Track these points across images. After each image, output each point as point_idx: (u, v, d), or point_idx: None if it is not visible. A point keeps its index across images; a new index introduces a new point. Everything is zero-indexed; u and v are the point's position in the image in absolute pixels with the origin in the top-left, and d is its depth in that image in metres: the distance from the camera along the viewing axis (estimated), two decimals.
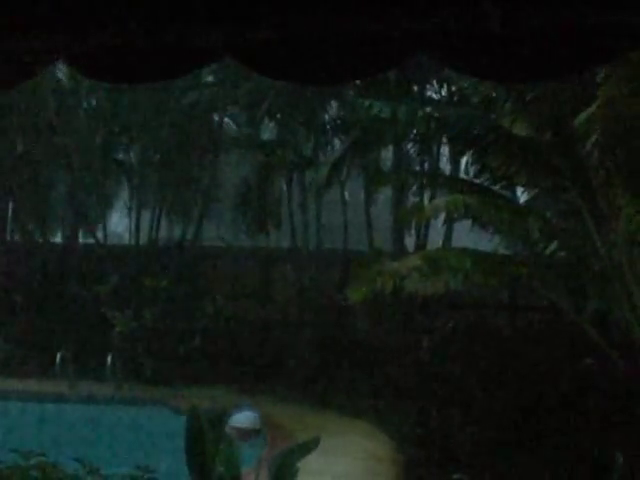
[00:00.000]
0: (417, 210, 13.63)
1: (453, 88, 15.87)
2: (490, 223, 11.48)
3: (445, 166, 17.98)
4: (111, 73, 2.85)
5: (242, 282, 18.23)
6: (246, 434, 5.89)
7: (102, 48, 2.69)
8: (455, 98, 15.28)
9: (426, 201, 15.41)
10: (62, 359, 16.17)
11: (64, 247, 20.22)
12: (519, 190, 13.67)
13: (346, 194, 18.26)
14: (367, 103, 12.86)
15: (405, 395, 13.56)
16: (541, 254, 11.50)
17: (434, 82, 17.26)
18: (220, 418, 5.50)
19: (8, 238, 20.23)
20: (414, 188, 15.40)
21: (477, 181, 12.39)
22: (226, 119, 19.97)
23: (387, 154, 18.13)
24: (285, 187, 18.82)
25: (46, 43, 2.69)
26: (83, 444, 11.96)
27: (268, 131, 19.84)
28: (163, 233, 19.93)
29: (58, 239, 21.07)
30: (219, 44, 2.52)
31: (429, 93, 17.58)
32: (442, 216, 12.73)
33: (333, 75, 2.75)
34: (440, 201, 11.90)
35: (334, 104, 18.40)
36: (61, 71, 17.90)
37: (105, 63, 2.76)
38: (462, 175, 15.64)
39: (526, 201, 13.00)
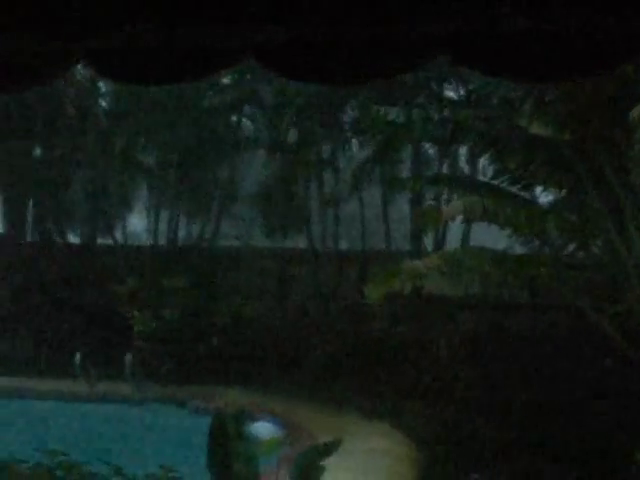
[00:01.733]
0: (434, 213, 13.61)
1: (470, 87, 15.86)
2: (507, 224, 11.45)
3: (464, 166, 17.95)
4: (133, 75, 2.87)
5: (260, 282, 18.27)
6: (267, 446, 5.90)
7: (123, 50, 2.72)
8: (473, 98, 15.26)
9: (443, 201, 15.40)
10: (81, 359, 16.27)
11: (83, 248, 20.34)
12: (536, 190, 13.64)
13: (364, 194, 18.27)
14: (382, 110, 12.84)
15: (424, 395, 13.55)
16: (560, 254, 11.47)
17: (451, 82, 17.24)
18: (240, 418, 5.52)
19: (28, 239, 20.36)
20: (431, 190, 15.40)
21: (495, 182, 12.36)
22: (244, 119, 20.04)
23: (405, 154, 18.11)
24: (304, 187, 18.82)
25: (67, 45, 2.72)
26: (103, 443, 12.04)
27: (287, 132, 19.86)
28: (182, 233, 20.01)
29: (77, 240, 21.19)
30: (242, 46, 2.54)
31: (446, 93, 17.56)
32: (459, 218, 12.72)
33: (353, 77, 2.77)
34: (457, 203, 11.88)
35: (352, 105, 18.40)
36: (80, 73, 18.01)
37: (126, 65, 2.78)
38: (480, 176, 15.62)
39: (550, 202, 12.95)
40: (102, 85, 19.25)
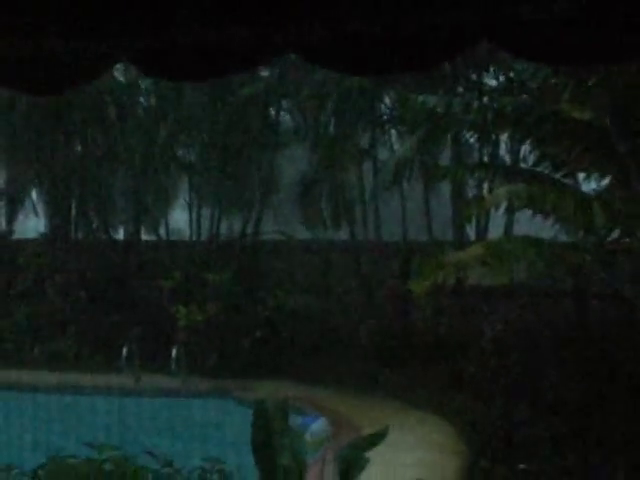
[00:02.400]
0: (478, 202, 13.51)
1: (510, 74, 15.70)
2: (552, 211, 11.32)
3: (505, 154, 17.77)
4: (175, 72, 2.90)
5: (303, 275, 18.30)
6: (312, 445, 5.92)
7: (165, 47, 2.74)
8: (513, 85, 15.11)
9: (485, 191, 15.27)
10: (128, 353, 16.46)
11: (127, 244, 20.55)
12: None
13: (405, 184, 18.18)
14: (421, 98, 12.75)
15: (469, 386, 13.49)
16: (604, 241, 11.33)
17: (490, 69, 17.07)
18: (285, 410, 5.53)
19: (72, 236, 20.61)
20: (473, 179, 15.27)
21: (537, 170, 12.23)
22: (282, 113, 20.06)
23: (445, 143, 17.98)
24: (344, 179, 18.79)
25: (109, 44, 2.74)
26: (150, 437, 12.18)
27: (325, 123, 19.83)
28: (224, 228, 20.11)
29: (121, 236, 21.41)
30: (283, 40, 2.55)
31: (485, 80, 17.39)
32: (503, 206, 12.60)
33: (393, 67, 2.76)
34: (501, 190, 11.77)
35: (390, 95, 18.33)
36: (119, 70, 18.17)
37: (168, 62, 2.80)
38: (522, 164, 15.47)
39: (594, 188, 12.78)
40: (142, 83, 19.38)
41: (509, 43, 2.46)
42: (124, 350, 16.48)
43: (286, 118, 20.21)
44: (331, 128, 18.78)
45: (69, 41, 2.76)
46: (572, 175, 12.38)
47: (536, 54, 2.57)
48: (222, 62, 2.68)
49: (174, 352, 16.41)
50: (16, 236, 20.71)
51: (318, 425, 6.74)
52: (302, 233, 19.70)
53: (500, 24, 2.41)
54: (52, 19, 2.61)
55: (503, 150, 17.77)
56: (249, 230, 19.64)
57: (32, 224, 21.63)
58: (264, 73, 18.56)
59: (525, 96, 12.68)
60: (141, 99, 20.18)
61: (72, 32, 2.70)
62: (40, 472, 5.27)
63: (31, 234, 20.80)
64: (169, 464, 5.17)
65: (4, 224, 20.81)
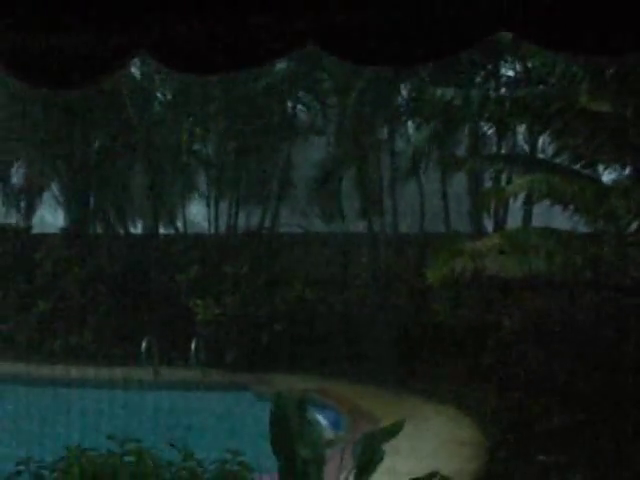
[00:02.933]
0: (496, 192, 13.45)
1: (528, 64, 15.61)
2: (572, 202, 11.26)
3: (523, 145, 17.69)
4: (194, 64, 2.89)
5: (320, 268, 18.31)
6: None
7: (183, 39, 2.74)
8: (531, 76, 15.02)
9: (503, 181, 15.20)
10: (147, 347, 16.53)
11: (145, 238, 20.64)
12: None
13: (422, 176, 18.15)
14: (439, 91, 12.70)
15: (487, 378, 13.46)
16: (624, 232, 11.26)
17: (508, 60, 16.98)
18: (304, 402, 5.53)
19: (91, 230, 20.71)
20: (490, 170, 15.20)
21: (556, 160, 12.17)
22: (299, 105, 20.05)
23: (463, 135, 17.92)
24: (361, 171, 18.74)
25: (128, 35, 2.74)
26: (169, 430, 12.22)
27: (341, 116, 19.80)
28: (241, 221, 20.14)
29: (139, 230, 21.49)
30: (301, 31, 2.54)
31: (503, 71, 17.31)
32: (521, 197, 12.55)
33: (411, 57, 2.74)
34: (520, 181, 11.72)
35: (407, 86, 18.27)
36: (135, 65, 18.20)
37: (187, 54, 2.80)
38: (540, 155, 15.39)
39: (613, 179, 12.70)
40: (158, 77, 19.42)
41: (529, 32, 2.43)
42: (143, 344, 16.55)
43: (303, 111, 20.21)
44: (348, 120, 18.75)
45: (87, 34, 2.76)
46: (592, 166, 12.31)
47: (556, 43, 2.54)
48: (241, 54, 2.67)
49: (193, 345, 16.47)
50: (35, 231, 20.83)
51: (334, 422, 6.74)
52: (320, 226, 19.71)
53: (518, 12, 2.39)
54: (69, 11, 2.61)
55: (521, 141, 17.69)
56: (266, 223, 19.66)
57: (51, 219, 21.78)
58: (281, 65, 18.55)
59: (543, 87, 12.59)
60: (158, 94, 20.23)
61: (90, 24, 2.70)
62: (60, 465, 5.30)
63: (50, 229, 20.93)
64: (190, 456, 5.19)
65: (23, 219, 20.93)
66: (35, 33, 2.78)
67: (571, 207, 11.77)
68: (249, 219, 20.78)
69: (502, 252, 10.87)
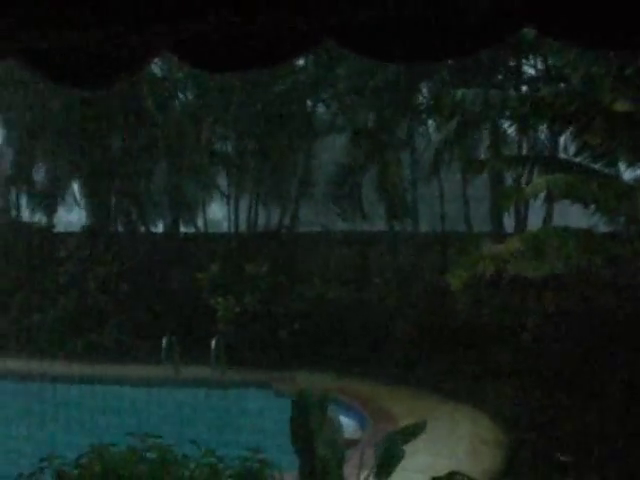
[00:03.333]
0: (516, 191, 13.40)
1: (549, 63, 15.55)
2: (592, 201, 11.20)
3: (545, 142, 17.61)
4: (215, 62, 2.91)
5: (340, 266, 18.32)
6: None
7: (205, 37, 2.76)
8: (552, 74, 14.96)
9: (524, 181, 15.15)
10: (167, 345, 16.60)
11: (166, 236, 20.73)
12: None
13: (442, 175, 18.11)
14: (459, 93, 12.65)
15: (508, 378, 13.41)
16: None
17: (529, 58, 16.91)
18: (324, 401, 5.55)
19: (112, 229, 20.83)
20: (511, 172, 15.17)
21: (577, 160, 12.11)
22: (319, 104, 20.06)
23: (484, 133, 17.86)
24: (381, 170, 18.73)
25: (151, 34, 2.76)
26: (189, 427, 12.28)
27: (361, 115, 19.80)
28: (261, 220, 20.20)
29: (160, 229, 21.59)
30: (321, 28, 2.54)
31: (525, 69, 17.24)
32: (541, 196, 12.49)
33: (434, 53, 2.74)
34: (540, 180, 11.67)
35: (428, 85, 18.25)
36: (156, 64, 18.28)
37: (208, 52, 2.82)
38: (561, 154, 15.32)
39: (635, 178, 12.61)
40: (179, 76, 19.49)
41: (554, 28, 2.42)
42: (164, 342, 16.63)
43: (323, 110, 20.22)
44: (369, 119, 18.75)
45: (110, 33, 2.78)
46: (613, 165, 12.24)
47: (582, 39, 2.52)
48: (260, 51, 2.69)
49: (213, 343, 16.53)
50: (57, 230, 20.98)
51: (351, 424, 6.73)
52: (340, 225, 19.72)
53: (543, 8, 2.38)
54: (92, 10, 2.63)
55: (543, 140, 17.61)
56: (286, 222, 19.70)
57: (72, 218, 21.92)
58: (301, 63, 18.57)
59: (564, 85, 12.54)
60: (179, 92, 20.30)
61: (112, 23, 2.72)
62: (83, 461, 5.35)
63: (71, 228, 21.07)
64: (211, 452, 5.22)
65: (45, 218, 21.08)
66: (58, 32, 2.80)
67: (592, 206, 11.72)
68: (269, 218, 20.83)
69: (524, 254, 10.82)
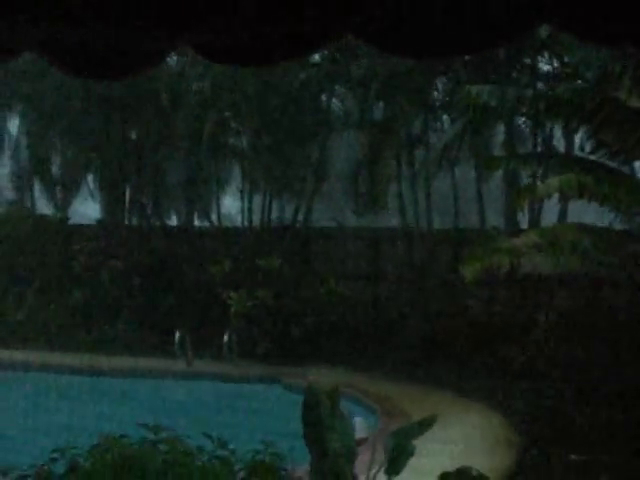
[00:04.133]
0: (529, 191, 13.35)
1: (565, 59, 15.48)
2: (607, 200, 11.15)
3: (559, 142, 17.54)
4: (233, 57, 2.91)
5: (353, 262, 18.31)
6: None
7: (223, 32, 2.76)
8: (568, 71, 14.90)
9: (538, 179, 15.09)
10: (180, 338, 16.65)
11: (180, 230, 20.77)
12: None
13: (456, 171, 18.06)
14: (475, 90, 12.60)
15: (520, 375, 13.39)
16: None
17: (545, 55, 16.84)
18: (335, 396, 5.55)
19: (126, 222, 20.89)
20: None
21: (592, 158, 12.06)
22: (333, 99, 20.04)
23: (498, 129, 17.79)
24: (394, 166, 18.70)
25: (170, 29, 2.77)
26: (201, 420, 12.30)
27: (376, 110, 19.77)
28: (275, 215, 20.20)
29: (174, 222, 21.62)
30: (339, 24, 2.54)
31: (540, 66, 17.16)
32: (554, 197, 12.45)
33: (451, 49, 2.74)
34: (553, 181, 11.62)
35: (442, 81, 18.20)
36: (171, 58, 18.28)
37: (227, 47, 2.82)
38: (577, 152, 15.26)
39: None
40: (193, 69, 19.50)
41: (573, 24, 2.40)
42: (176, 335, 16.67)
43: (338, 104, 20.19)
44: (383, 114, 18.71)
45: (131, 26, 2.79)
46: (628, 162, 12.19)
47: (601, 36, 2.51)
48: (281, 46, 2.69)
49: (225, 337, 16.56)
50: (72, 222, 21.06)
51: (360, 423, 6.71)
52: (353, 220, 19.70)
53: (560, 5, 2.37)
54: (114, 4, 2.64)
55: (558, 136, 17.53)
56: (300, 217, 19.69)
57: (87, 210, 21.98)
58: (315, 59, 18.54)
59: (580, 82, 12.48)
60: (194, 86, 20.31)
61: (134, 16, 2.73)
62: (95, 452, 5.37)
63: (86, 220, 21.13)
64: (224, 445, 5.24)
65: (60, 210, 21.16)
66: (79, 25, 2.82)
67: (607, 204, 11.67)
68: (283, 212, 20.83)
69: (539, 249, 10.79)
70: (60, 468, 5.45)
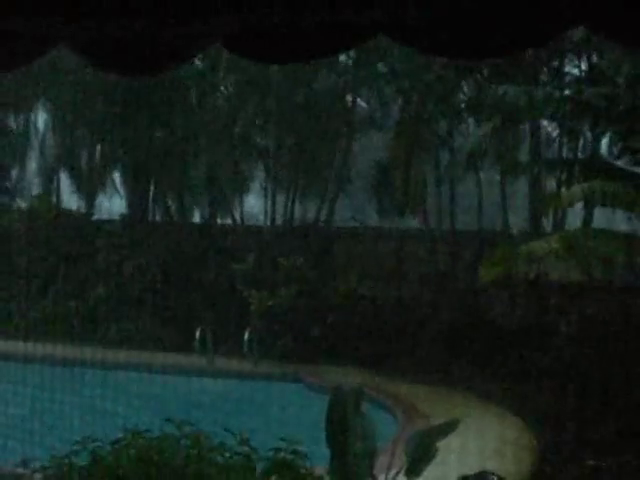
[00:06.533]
0: (553, 199, 13.28)
1: (593, 63, 15.38)
2: (631, 207, 11.07)
3: (586, 145, 17.42)
4: (263, 54, 2.92)
5: (375, 262, 18.28)
6: None
7: (254, 30, 2.77)
8: (596, 75, 14.80)
9: (564, 184, 15.00)
10: (201, 335, 16.69)
11: (202, 227, 20.84)
12: None
13: (481, 174, 17.99)
14: (502, 90, 12.55)
15: (540, 380, 13.31)
16: None
17: (573, 58, 16.73)
18: (359, 397, 5.55)
19: (150, 218, 20.98)
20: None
21: (617, 163, 11.98)
22: (359, 100, 20.03)
23: (524, 132, 17.70)
24: (419, 167, 18.65)
25: (203, 27, 2.78)
26: (221, 416, 12.33)
27: (401, 112, 19.74)
28: (298, 214, 20.22)
29: (197, 219, 21.71)
30: (371, 23, 2.54)
31: (568, 69, 17.06)
32: (578, 205, 12.39)
33: (483, 50, 2.73)
34: (576, 189, 11.53)
35: (469, 83, 18.13)
36: (199, 57, 18.33)
37: (258, 44, 2.83)
38: (604, 153, 15.16)
39: None
40: (221, 69, 19.55)
41: (607, 27, 2.39)
42: (198, 332, 16.72)
43: (362, 105, 20.19)
44: (408, 116, 18.68)
45: (163, 23, 2.81)
46: None
47: (632, 39, 2.49)
48: (313, 44, 2.69)
49: (246, 335, 16.59)
50: (96, 217, 21.19)
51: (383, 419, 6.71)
52: (376, 220, 19.68)
53: (598, 5, 2.35)
54: (144, 1, 2.66)
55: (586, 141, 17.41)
56: (323, 216, 19.70)
57: (112, 205, 22.09)
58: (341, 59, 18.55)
59: (609, 87, 12.39)
60: (220, 86, 20.37)
61: (164, 11, 2.74)
62: (118, 445, 5.39)
63: (111, 216, 21.24)
64: (246, 442, 5.25)
65: (85, 205, 21.30)
66: (110, 21, 2.83)
67: (632, 211, 11.59)
68: (305, 212, 20.85)
69: (559, 254, 10.72)
70: (81, 460, 5.47)
